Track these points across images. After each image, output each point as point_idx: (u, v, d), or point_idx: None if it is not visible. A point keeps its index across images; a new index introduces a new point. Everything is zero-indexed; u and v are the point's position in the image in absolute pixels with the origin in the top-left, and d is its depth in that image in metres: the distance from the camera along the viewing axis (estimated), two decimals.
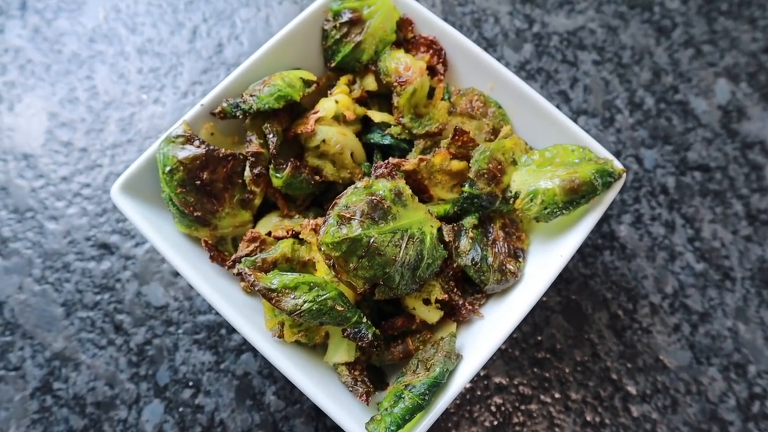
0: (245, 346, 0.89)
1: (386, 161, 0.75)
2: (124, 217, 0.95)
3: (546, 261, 0.76)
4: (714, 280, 0.96)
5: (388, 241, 0.68)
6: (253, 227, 0.80)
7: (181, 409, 0.86)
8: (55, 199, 0.96)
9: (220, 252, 0.77)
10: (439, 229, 0.75)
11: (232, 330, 0.90)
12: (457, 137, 0.78)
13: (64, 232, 0.94)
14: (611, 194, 0.76)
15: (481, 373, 0.90)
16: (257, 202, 0.79)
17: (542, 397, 0.89)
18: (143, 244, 0.94)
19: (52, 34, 1.06)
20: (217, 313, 0.91)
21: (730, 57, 1.08)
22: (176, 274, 0.92)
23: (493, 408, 0.88)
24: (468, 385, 0.89)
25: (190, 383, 0.88)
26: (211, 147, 0.74)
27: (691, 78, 1.07)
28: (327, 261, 0.70)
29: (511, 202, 0.76)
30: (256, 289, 0.68)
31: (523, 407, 0.88)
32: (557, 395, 0.89)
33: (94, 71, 1.04)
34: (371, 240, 0.67)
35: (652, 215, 0.99)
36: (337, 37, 0.83)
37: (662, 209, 0.99)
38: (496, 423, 0.87)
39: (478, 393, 0.89)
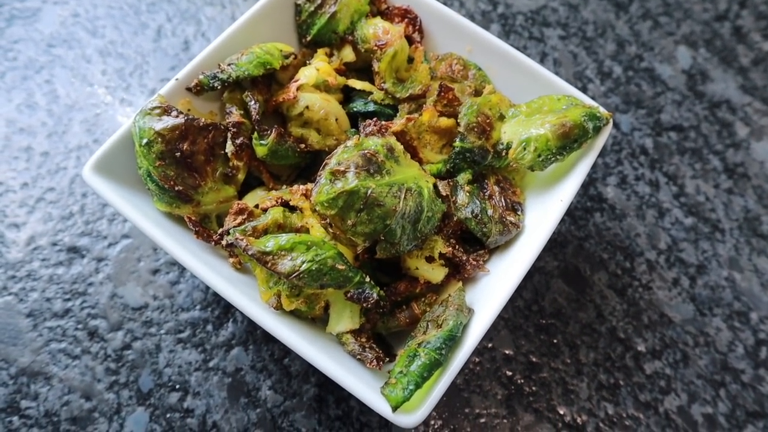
0: (235, 341, 0.83)
1: (374, 119, 0.73)
2: (93, 219, 0.89)
3: (545, 210, 0.74)
4: (704, 233, 0.96)
5: (387, 192, 0.65)
6: None
7: (168, 416, 0.78)
8: (17, 207, 0.89)
9: (205, 228, 0.72)
10: (435, 185, 0.73)
11: (219, 325, 0.84)
12: (443, 93, 0.77)
13: (27, 240, 0.87)
14: (601, 139, 0.75)
15: (488, 345, 0.86)
16: (241, 177, 0.75)
17: (552, 363, 0.85)
18: (116, 245, 0.87)
19: (5, 42, 1.01)
20: (201, 309, 0.84)
21: (686, 26, 1.13)
22: (155, 272, 0.86)
23: (503, 380, 0.84)
24: (475, 359, 0.85)
25: (177, 386, 0.80)
26: (191, 117, 0.71)
27: (653, 47, 1.10)
28: (322, 222, 0.67)
29: (503, 154, 0.75)
30: (250, 254, 0.63)
31: (534, 376, 0.84)
32: (568, 360, 0.86)
33: (54, 75, 0.99)
34: (369, 191, 0.63)
35: (635, 175, 0.99)
36: (311, 9, 0.82)
37: (644, 169, 1.00)
38: (508, 394, 0.83)
39: (487, 366, 0.84)
